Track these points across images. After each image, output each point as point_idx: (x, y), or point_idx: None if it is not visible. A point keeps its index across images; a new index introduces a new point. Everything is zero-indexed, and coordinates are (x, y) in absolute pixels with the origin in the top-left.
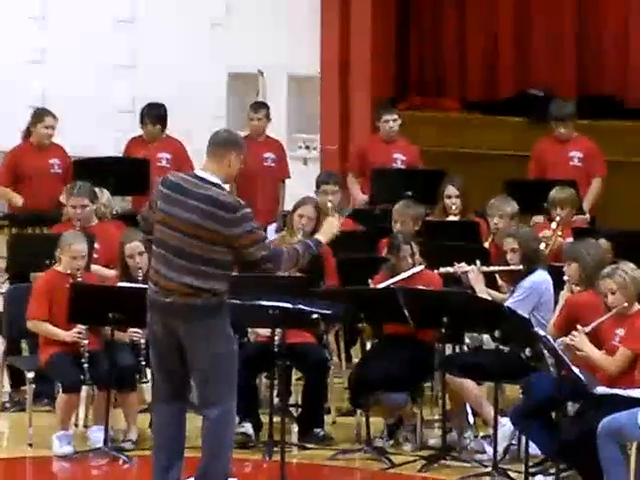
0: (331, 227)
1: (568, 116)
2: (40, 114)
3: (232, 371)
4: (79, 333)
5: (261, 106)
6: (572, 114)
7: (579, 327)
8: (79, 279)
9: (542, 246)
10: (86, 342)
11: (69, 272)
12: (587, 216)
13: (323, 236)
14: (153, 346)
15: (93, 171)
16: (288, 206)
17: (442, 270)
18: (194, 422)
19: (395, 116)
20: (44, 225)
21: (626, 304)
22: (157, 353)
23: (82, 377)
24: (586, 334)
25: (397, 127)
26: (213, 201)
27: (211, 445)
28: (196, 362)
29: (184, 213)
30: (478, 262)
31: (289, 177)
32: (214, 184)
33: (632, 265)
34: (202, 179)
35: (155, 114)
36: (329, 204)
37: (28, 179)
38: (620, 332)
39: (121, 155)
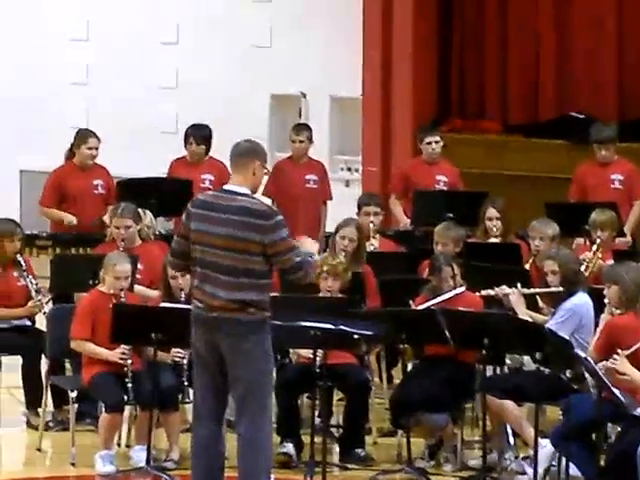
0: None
1: (609, 139)
2: (84, 135)
3: (270, 389)
4: (123, 353)
5: (303, 128)
6: (613, 137)
7: (620, 351)
8: (122, 299)
9: (582, 268)
10: (130, 362)
11: (113, 292)
12: (628, 239)
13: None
14: (196, 362)
15: (136, 192)
16: (330, 228)
17: (483, 293)
18: (233, 441)
19: (437, 138)
20: (87, 246)
21: None
22: (200, 370)
23: (125, 397)
24: (627, 357)
25: (439, 149)
26: (247, 211)
27: (247, 462)
28: (237, 377)
29: (217, 228)
30: (519, 285)
31: (331, 199)
32: (243, 194)
33: None
34: (230, 192)
35: (201, 135)
36: (371, 225)
37: (72, 200)
38: None
39: (164, 176)
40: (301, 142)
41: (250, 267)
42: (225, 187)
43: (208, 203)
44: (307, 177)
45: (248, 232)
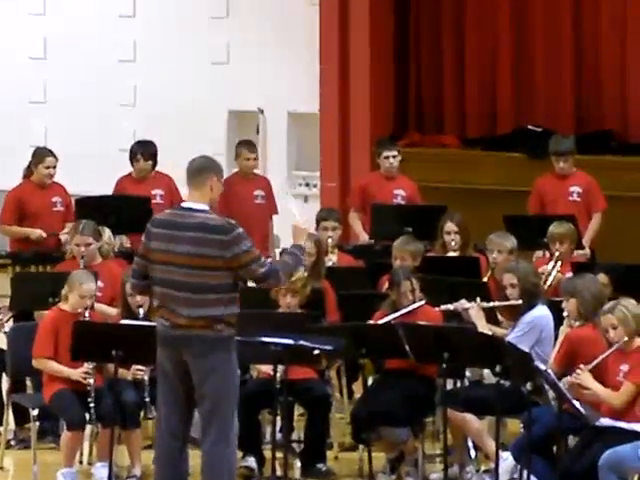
0: (299, 232)
1: (567, 151)
2: (41, 154)
3: (235, 407)
4: (86, 372)
5: (254, 145)
6: (571, 149)
7: (582, 366)
8: (86, 318)
9: (541, 281)
10: (92, 381)
11: (77, 311)
12: (587, 251)
13: (296, 241)
14: (161, 381)
15: (95, 209)
16: (288, 243)
17: (443, 307)
18: (196, 458)
19: (395, 152)
20: (47, 263)
21: (626, 339)
22: (165, 388)
23: (87, 415)
24: (590, 371)
25: (397, 163)
26: (206, 227)
27: (212, 478)
28: (203, 394)
29: (179, 247)
30: (478, 299)
31: (277, 213)
32: (201, 210)
33: (633, 301)
34: (188, 209)
35: (149, 152)
36: (329, 240)
37: (32, 217)
38: (624, 367)
39: (125, 194)
40: (255, 159)
41: (214, 282)
42: (183, 204)
43: (167, 222)
44: (255, 193)
45: (208, 248)
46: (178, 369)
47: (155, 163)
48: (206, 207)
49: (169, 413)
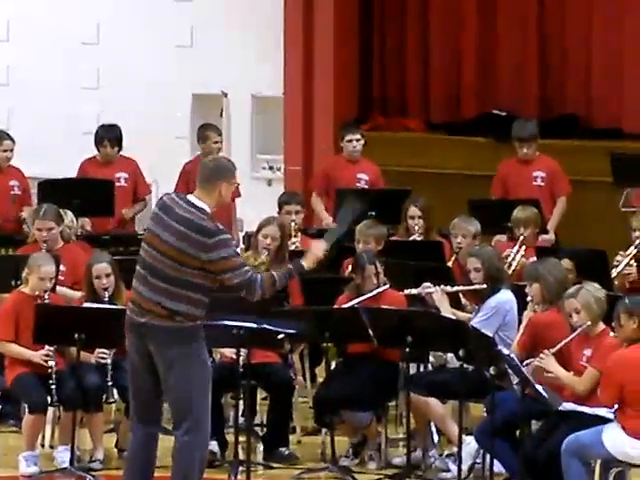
0: (317, 251)
1: (530, 136)
2: None
3: (205, 396)
4: (47, 355)
5: (217, 128)
6: (534, 134)
7: (546, 350)
8: (46, 300)
9: (505, 265)
10: (53, 363)
11: (37, 294)
12: (551, 236)
13: (308, 261)
14: (129, 367)
15: (58, 192)
16: (252, 227)
17: (406, 292)
18: (164, 442)
19: (358, 136)
20: (9, 246)
21: (589, 323)
22: (132, 375)
23: (49, 398)
24: (553, 355)
25: (360, 147)
26: (192, 224)
27: (181, 468)
28: (168, 386)
29: (163, 233)
30: (442, 285)
31: (239, 196)
32: (199, 208)
33: (596, 285)
34: (189, 202)
35: (115, 136)
36: (293, 224)
37: None
38: (587, 352)
39: (88, 177)
40: (216, 142)
41: (185, 279)
42: (189, 196)
43: (166, 206)
44: None
45: (186, 245)
46: (143, 357)
47: (120, 148)
48: (206, 208)
49: (136, 399)
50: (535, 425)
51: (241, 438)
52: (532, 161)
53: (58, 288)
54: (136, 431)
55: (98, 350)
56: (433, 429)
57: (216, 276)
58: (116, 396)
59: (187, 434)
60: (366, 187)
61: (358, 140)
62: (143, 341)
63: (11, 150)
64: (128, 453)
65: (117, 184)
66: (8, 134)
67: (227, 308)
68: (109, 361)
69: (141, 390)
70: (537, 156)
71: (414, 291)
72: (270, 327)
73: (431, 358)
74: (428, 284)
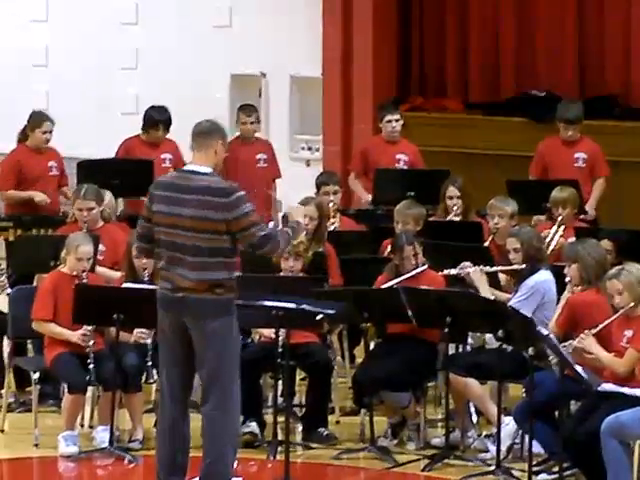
0: (295, 212)
1: (576, 118)
2: (38, 119)
3: (236, 371)
4: (84, 334)
5: (253, 109)
6: (580, 116)
7: (586, 331)
8: (84, 280)
9: (544, 246)
10: (92, 343)
11: (75, 274)
12: (592, 212)
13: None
14: (162, 345)
15: (98, 173)
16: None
17: (445, 272)
18: (198, 422)
19: (397, 116)
20: (49, 227)
21: (632, 304)
22: (165, 352)
23: (88, 377)
24: (594, 336)
25: (399, 127)
26: (208, 189)
27: (212, 443)
28: (203, 358)
29: (184, 209)
30: (481, 265)
31: (280, 177)
32: (205, 173)
33: (638, 265)
34: (192, 172)
35: (167, 119)
36: (331, 204)
37: (30, 182)
38: (628, 333)
39: (127, 157)
40: (252, 123)
41: (216, 246)
42: (186, 167)
43: (170, 184)
44: (257, 157)
45: (210, 211)
46: (178, 333)
47: (169, 130)
48: (210, 170)
49: (170, 377)
50: (574, 406)
51: (280, 418)
52: (575, 142)
53: (98, 268)
54: (165, 410)
55: (137, 330)
56: (472, 410)
57: (241, 233)
58: (155, 376)
59: (215, 409)
60: (405, 167)
61: (397, 120)
62: (179, 316)
63: (50, 132)
64: (159, 431)
65: (162, 165)
66: (48, 115)
67: (267, 289)
68: (149, 341)
69: (174, 367)
70: (579, 138)
71: (453, 271)
72: (309, 307)
73: (470, 339)
74: (467, 264)
